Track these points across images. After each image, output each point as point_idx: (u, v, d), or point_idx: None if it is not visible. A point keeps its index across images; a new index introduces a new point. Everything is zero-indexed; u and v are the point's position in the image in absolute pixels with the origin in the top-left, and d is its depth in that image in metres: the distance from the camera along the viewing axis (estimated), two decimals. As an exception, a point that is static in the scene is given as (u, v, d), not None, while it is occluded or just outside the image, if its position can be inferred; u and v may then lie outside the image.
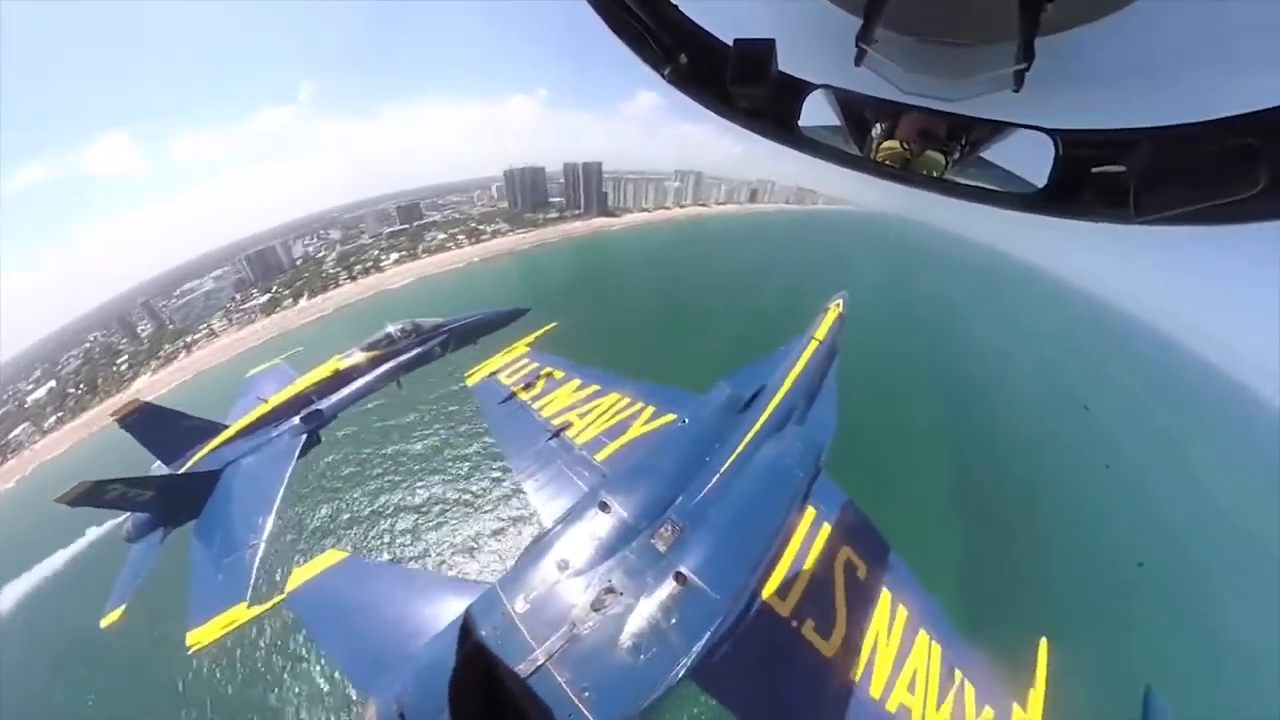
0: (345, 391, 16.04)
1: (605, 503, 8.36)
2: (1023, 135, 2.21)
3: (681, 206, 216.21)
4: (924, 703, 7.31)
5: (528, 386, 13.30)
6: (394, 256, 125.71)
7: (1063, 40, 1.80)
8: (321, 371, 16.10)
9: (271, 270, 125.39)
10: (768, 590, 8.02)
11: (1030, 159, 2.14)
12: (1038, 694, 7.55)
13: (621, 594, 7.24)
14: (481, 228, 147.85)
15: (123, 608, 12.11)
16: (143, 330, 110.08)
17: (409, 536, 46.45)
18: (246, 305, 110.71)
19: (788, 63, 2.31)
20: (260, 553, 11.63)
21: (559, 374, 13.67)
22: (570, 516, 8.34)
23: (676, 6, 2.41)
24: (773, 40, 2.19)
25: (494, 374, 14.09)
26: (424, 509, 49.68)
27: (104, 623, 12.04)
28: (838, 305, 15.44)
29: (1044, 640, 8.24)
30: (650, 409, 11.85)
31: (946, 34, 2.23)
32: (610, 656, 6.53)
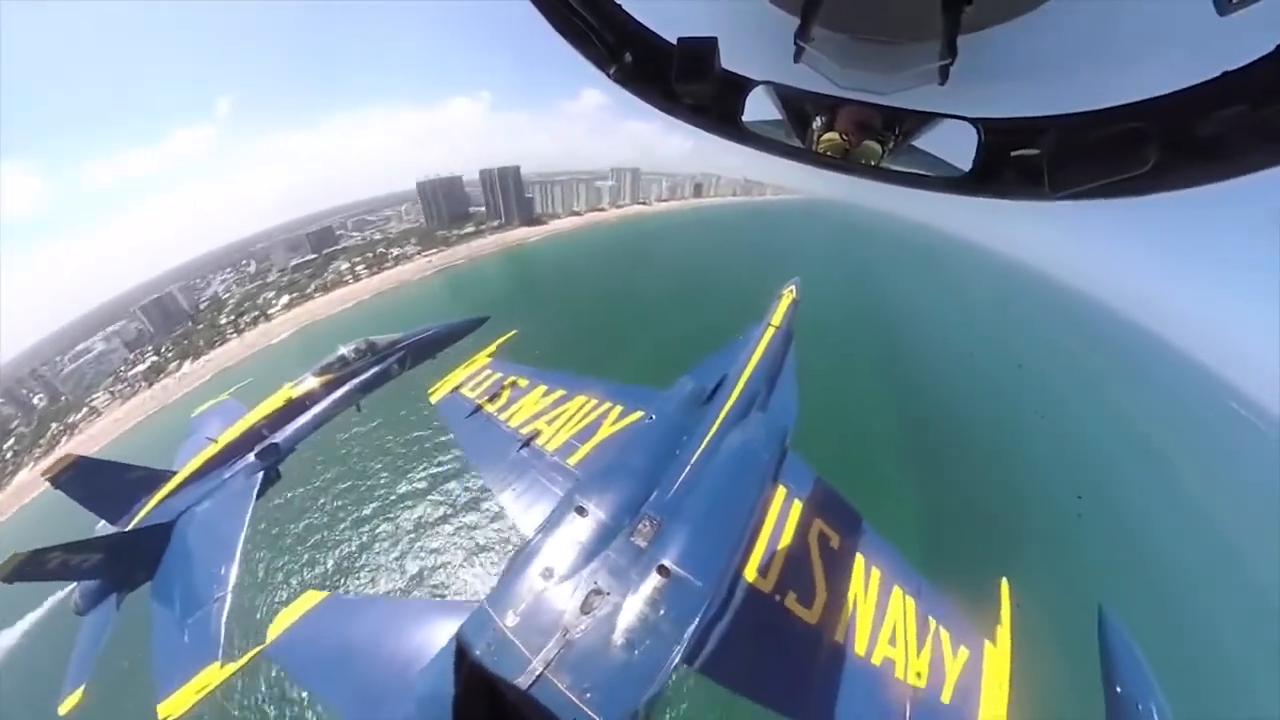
0: (301, 421, 15.23)
1: (582, 506, 8.47)
2: (949, 124, 2.45)
3: (618, 206, 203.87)
4: (905, 653, 7.88)
5: (493, 398, 13.18)
6: (284, 300, 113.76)
7: (981, 38, 2.01)
8: (273, 402, 15.19)
9: (173, 320, 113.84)
10: (749, 570, 8.39)
11: (957, 146, 2.36)
12: (1004, 630, 8.20)
13: (608, 594, 7.38)
14: (389, 251, 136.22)
15: (82, 688, 11.08)
16: (39, 401, 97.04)
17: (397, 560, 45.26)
18: (131, 373, 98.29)
19: (730, 60, 2.42)
20: (228, 605, 10.87)
21: (523, 382, 13.61)
22: (549, 524, 8.39)
23: (620, 6, 2.46)
24: (715, 39, 2.29)
25: (458, 388, 13.86)
26: (407, 532, 48.36)
27: (63, 709, 10.99)
28: (791, 291, 16.00)
29: (1004, 580, 8.91)
30: (618, 408, 11.99)
31: (877, 32, 2.41)
32: (606, 655, 6.67)
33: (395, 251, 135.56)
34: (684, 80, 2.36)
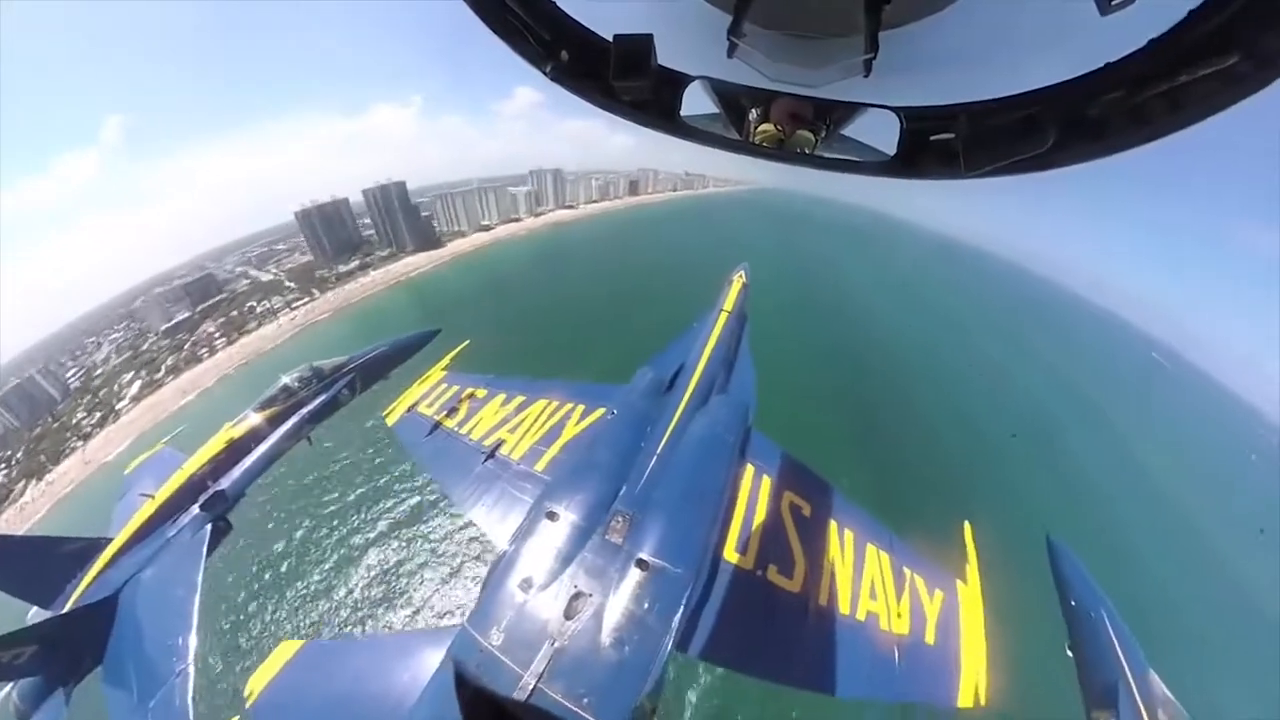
0: (247, 463, 14.17)
1: (552, 511, 8.34)
2: (874, 113, 2.64)
3: (537, 214, 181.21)
4: (886, 604, 8.36)
5: (451, 413, 12.76)
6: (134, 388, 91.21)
7: (900, 34, 2.22)
8: (213, 446, 14.04)
9: (38, 410, 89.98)
10: (728, 550, 8.60)
11: (881, 133, 2.56)
12: (973, 568, 8.89)
13: (590, 595, 7.32)
14: (260, 305, 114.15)
15: None
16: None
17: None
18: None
19: (666, 57, 2.49)
20: (192, 677, 9.98)
21: (481, 393, 13.27)
22: (521, 534, 8.23)
23: (555, 3, 2.47)
24: (651, 36, 2.35)
25: (413, 407, 13.36)
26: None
27: None
28: (740, 276, 16.30)
29: (966, 523, 9.59)
30: (580, 407, 11.88)
31: (806, 29, 2.54)
32: (597, 657, 6.67)
33: (266, 304, 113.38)
34: (621, 76, 2.39)
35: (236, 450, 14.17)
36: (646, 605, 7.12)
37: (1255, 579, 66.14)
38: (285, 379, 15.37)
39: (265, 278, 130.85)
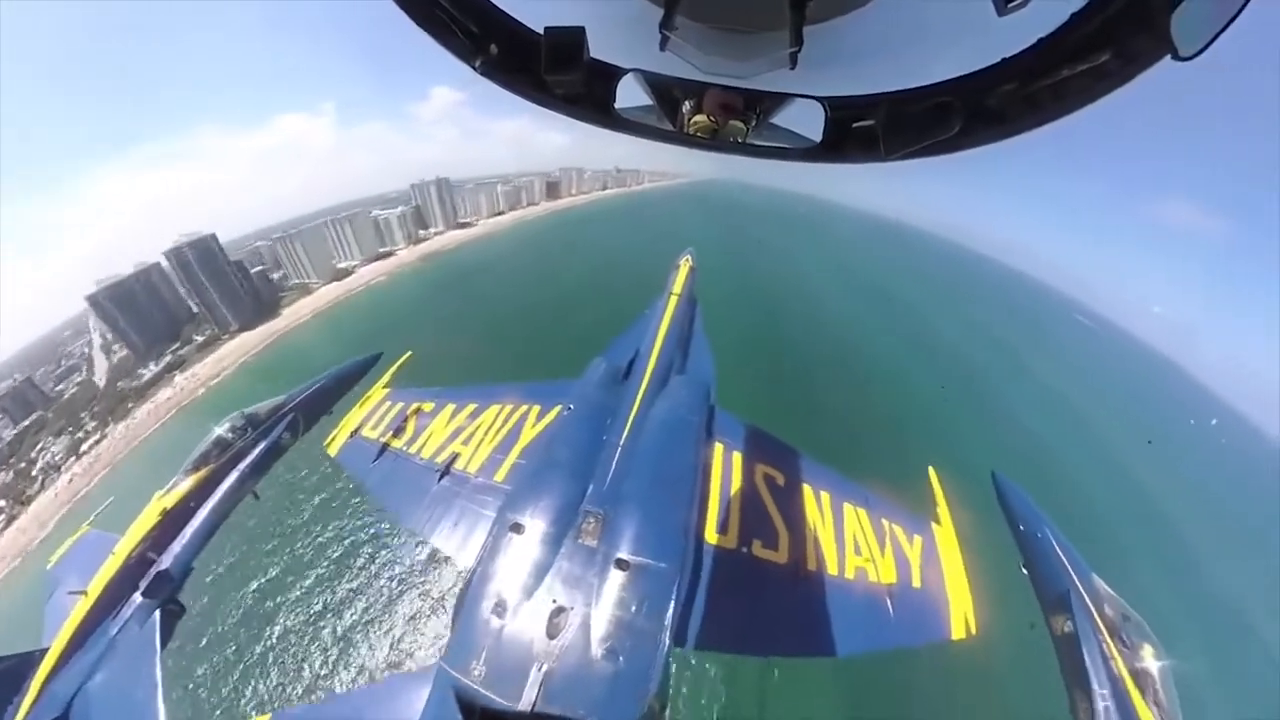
0: (188, 534, 12.65)
1: (517, 523, 7.81)
2: (801, 103, 2.84)
3: (418, 241, 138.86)
4: (871, 558, 8.63)
5: (398, 432, 11.87)
6: None
7: (824, 28, 2.41)
8: (146, 520, 12.41)
9: None
10: (709, 533, 8.48)
11: (808, 121, 2.77)
12: (943, 510, 9.50)
13: (572, 608, 6.89)
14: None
15: None
16: None
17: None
18: None
19: (598, 50, 2.51)
20: None
21: (428, 406, 12.46)
22: (486, 553, 7.69)
23: None
24: (582, 28, 2.37)
25: (356, 432, 12.47)
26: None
27: None
28: (687, 260, 16.40)
29: (930, 469, 10.19)
30: (535, 408, 11.36)
31: (734, 22, 2.65)
32: (591, 672, 6.36)
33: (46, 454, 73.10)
34: (554, 70, 2.36)
35: (173, 521, 12.61)
36: (634, 607, 6.78)
37: (1151, 483, 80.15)
38: (217, 430, 13.90)
39: (72, 390, 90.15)
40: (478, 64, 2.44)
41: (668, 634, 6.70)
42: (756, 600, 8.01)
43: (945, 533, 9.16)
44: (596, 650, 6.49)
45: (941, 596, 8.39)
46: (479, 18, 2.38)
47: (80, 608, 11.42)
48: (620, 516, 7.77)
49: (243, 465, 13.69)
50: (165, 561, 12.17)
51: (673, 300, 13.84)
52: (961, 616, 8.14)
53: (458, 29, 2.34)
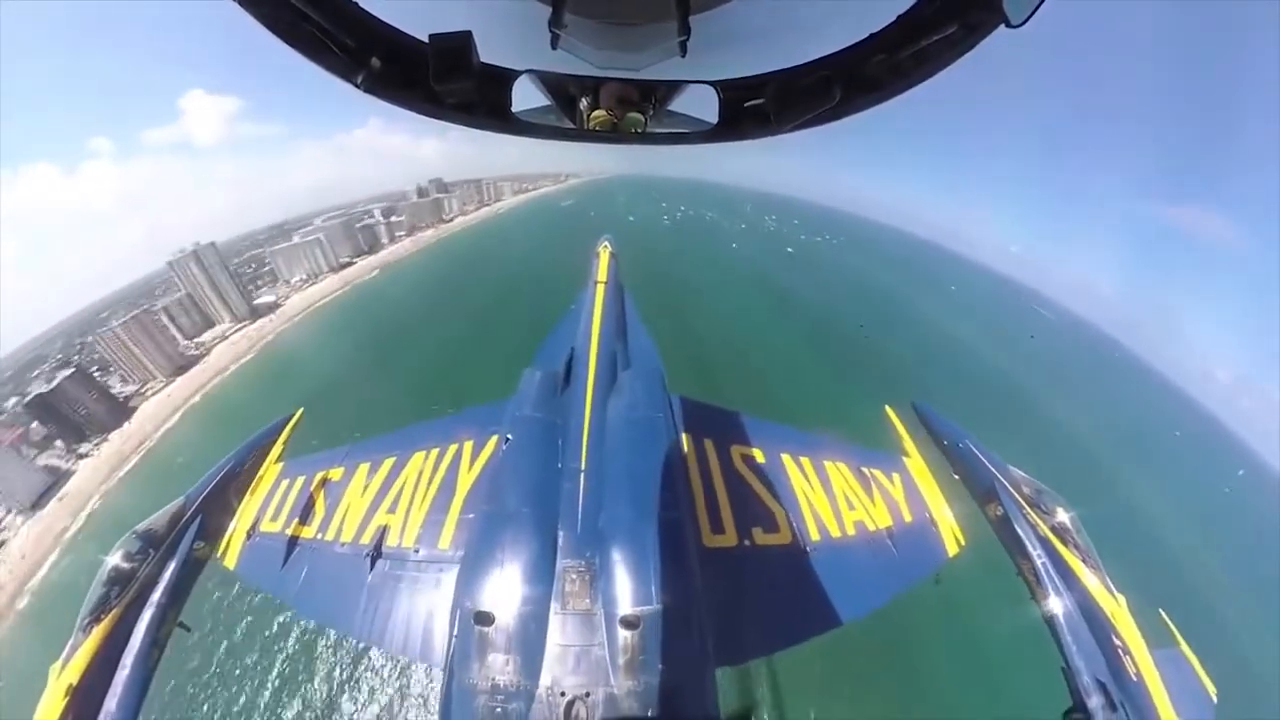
0: (112, 704, 8.93)
1: (481, 612, 6.11)
2: (694, 88, 2.99)
3: (225, 337, 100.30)
4: (864, 508, 8.87)
5: (305, 517, 9.50)
6: None
7: (710, 15, 2.53)
8: (50, 709, 8.74)
9: None
10: (706, 538, 7.70)
11: (703, 105, 2.93)
12: (909, 442, 10.28)
13: (588, 695, 5.62)
14: None
15: None
16: None
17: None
18: None
19: (488, 54, 2.43)
20: None
21: (337, 473, 10.07)
22: (456, 661, 6.08)
23: (358, 5, 2.23)
24: (469, 32, 2.28)
25: (253, 529, 9.77)
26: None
27: None
28: (606, 246, 15.62)
29: (887, 407, 11.05)
30: (468, 444, 9.49)
31: (623, 16, 2.71)
32: None
33: None
34: (443, 79, 2.25)
35: (84, 698, 8.91)
36: (660, 664, 5.69)
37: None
38: (110, 561, 10.12)
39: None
40: (359, 80, 2.27)
41: (708, 671, 6.04)
42: (774, 591, 7.56)
43: (916, 463, 9.78)
44: None
45: (931, 522, 8.90)
46: (355, 29, 2.20)
47: None
48: (608, 561, 6.37)
49: (155, 597, 9.99)
50: None
51: (599, 289, 12.55)
52: (951, 534, 8.77)
53: (334, 44, 2.15)
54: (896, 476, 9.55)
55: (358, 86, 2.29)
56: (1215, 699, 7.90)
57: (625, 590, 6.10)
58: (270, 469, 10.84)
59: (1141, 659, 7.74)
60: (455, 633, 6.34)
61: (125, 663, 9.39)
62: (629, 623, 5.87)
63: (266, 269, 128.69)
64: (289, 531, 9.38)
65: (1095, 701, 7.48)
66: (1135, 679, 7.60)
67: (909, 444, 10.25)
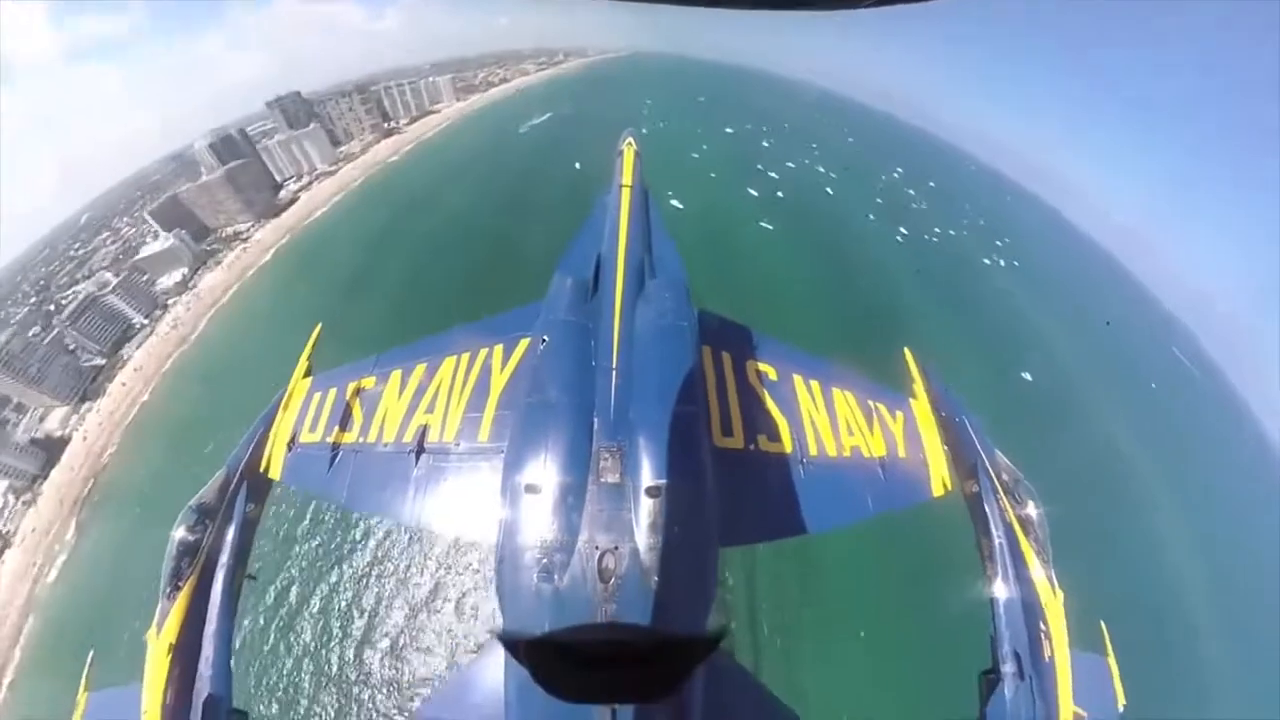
0: (208, 651, 10.42)
1: (530, 484, 7.17)
2: None
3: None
4: (862, 436, 9.55)
5: (345, 424, 9.98)
6: None
7: None
8: (157, 665, 9.93)
9: None
10: (717, 438, 8.62)
11: None
12: (919, 386, 10.58)
13: (616, 548, 6.64)
14: None
15: None
16: None
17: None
18: None
19: None
20: None
21: (369, 382, 10.45)
22: (509, 525, 7.19)
23: None
24: None
25: (293, 443, 10.24)
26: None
27: None
28: (629, 144, 14.36)
29: (906, 349, 11.16)
30: (498, 348, 9.93)
31: None
32: (654, 599, 6.43)
33: None
34: None
35: (183, 651, 10.38)
36: (677, 528, 6.75)
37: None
38: (176, 536, 11.21)
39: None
40: None
41: (714, 544, 7.14)
42: (769, 490, 8.60)
43: (921, 406, 10.25)
44: (652, 579, 6.43)
45: (923, 462, 9.59)
46: None
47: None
48: (637, 444, 7.34)
49: (223, 559, 11.21)
50: (203, 689, 10.16)
51: (625, 193, 12.08)
52: (939, 477, 9.47)
53: None
54: (900, 415, 10.01)
55: None
56: (1122, 709, 8.94)
57: (649, 468, 7.05)
58: (300, 385, 11.16)
59: (1059, 646, 8.73)
60: (504, 502, 7.35)
61: (210, 616, 10.86)
62: (652, 492, 6.88)
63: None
64: (330, 439, 9.94)
65: (1009, 668, 8.70)
66: (1048, 661, 8.70)
67: (919, 387, 10.57)
